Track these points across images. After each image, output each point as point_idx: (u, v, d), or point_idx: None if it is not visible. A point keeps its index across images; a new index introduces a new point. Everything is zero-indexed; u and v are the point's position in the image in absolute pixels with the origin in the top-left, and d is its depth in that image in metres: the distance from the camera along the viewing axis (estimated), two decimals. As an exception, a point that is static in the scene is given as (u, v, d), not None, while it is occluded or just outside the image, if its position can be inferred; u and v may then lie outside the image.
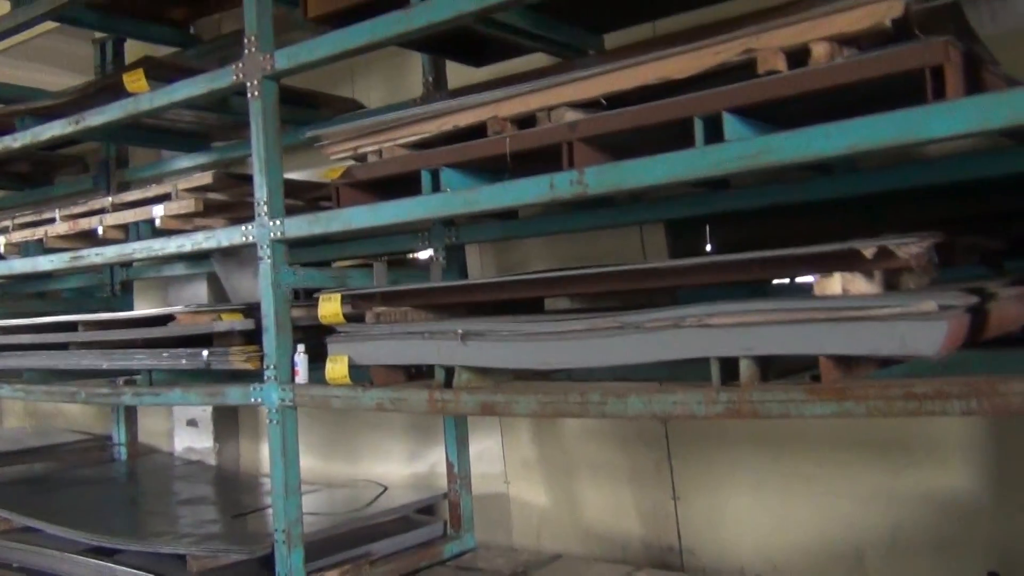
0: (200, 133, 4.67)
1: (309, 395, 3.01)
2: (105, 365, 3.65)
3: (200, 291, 4.96)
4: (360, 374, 2.90)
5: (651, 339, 2.21)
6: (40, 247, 4.18)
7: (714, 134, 2.15)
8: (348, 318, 2.92)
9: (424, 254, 4.59)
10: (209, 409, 4.99)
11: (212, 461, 4.99)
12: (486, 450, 3.99)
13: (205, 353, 3.25)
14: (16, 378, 4.23)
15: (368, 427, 4.48)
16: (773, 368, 2.17)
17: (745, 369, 2.09)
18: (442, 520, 3.85)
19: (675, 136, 2.27)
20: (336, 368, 2.89)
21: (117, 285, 5.28)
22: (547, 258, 3.75)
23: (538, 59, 3.61)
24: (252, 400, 3.15)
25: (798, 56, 2.05)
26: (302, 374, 3.08)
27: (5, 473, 4.87)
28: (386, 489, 4.18)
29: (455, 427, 3.76)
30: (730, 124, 2.09)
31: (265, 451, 4.97)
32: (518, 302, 2.89)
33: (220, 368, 3.25)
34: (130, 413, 5.37)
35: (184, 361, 3.33)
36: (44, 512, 3.99)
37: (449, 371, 2.65)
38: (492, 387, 2.62)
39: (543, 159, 2.51)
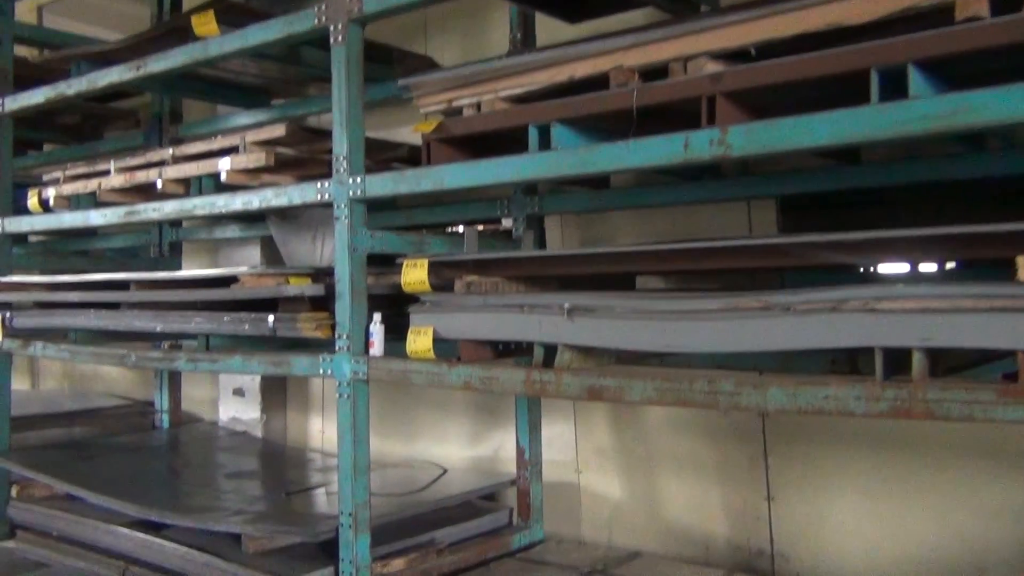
0: (262, 88, 4.41)
1: (387, 369, 2.75)
2: (159, 327, 3.41)
3: (253, 255, 4.73)
4: (440, 349, 2.65)
5: (804, 323, 1.94)
6: (92, 200, 3.94)
7: (889, 91, 1.86)
8: (432, 287, 2.67)
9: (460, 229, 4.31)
10: (257, 379, 4.75)
11: (258, 433, 4.77)
12: (557, 435, 3.72)
13: (271, 318, 2.99)
14: (62, 338, 4.01)
15: (426, 405, 4.23)
16: (940, 364, 1.91)
17: (918, 363, 1.82)
18: (508, 508, 3.61)
19: (828, 96, 1.99)
20: (419, 340, 2.63)
21: (165, 246, 5.05)
22: (637, 234, 3.45)
23: (631, 20, 3.33)
24: (321, 372, 2.91)
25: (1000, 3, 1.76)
26: (377, 346, 2.82)
27: (44, 436, 4.67)
28: (446, 471, 3.94)
29: (528, 409, 3.50)
30: (915, 79, 1.80)
31: (314, 424, 4.80)
32: (608, 278, 2.62)
33: (286, 335, 2.99)
34: (173, 379, 5.15)
35: (247, 326, 3.08)
36: (85, 479, 3.78)
37: (549, 349, 2.40)
38: (599, 369, 2.36)
39: (667, 118, 2.24)
